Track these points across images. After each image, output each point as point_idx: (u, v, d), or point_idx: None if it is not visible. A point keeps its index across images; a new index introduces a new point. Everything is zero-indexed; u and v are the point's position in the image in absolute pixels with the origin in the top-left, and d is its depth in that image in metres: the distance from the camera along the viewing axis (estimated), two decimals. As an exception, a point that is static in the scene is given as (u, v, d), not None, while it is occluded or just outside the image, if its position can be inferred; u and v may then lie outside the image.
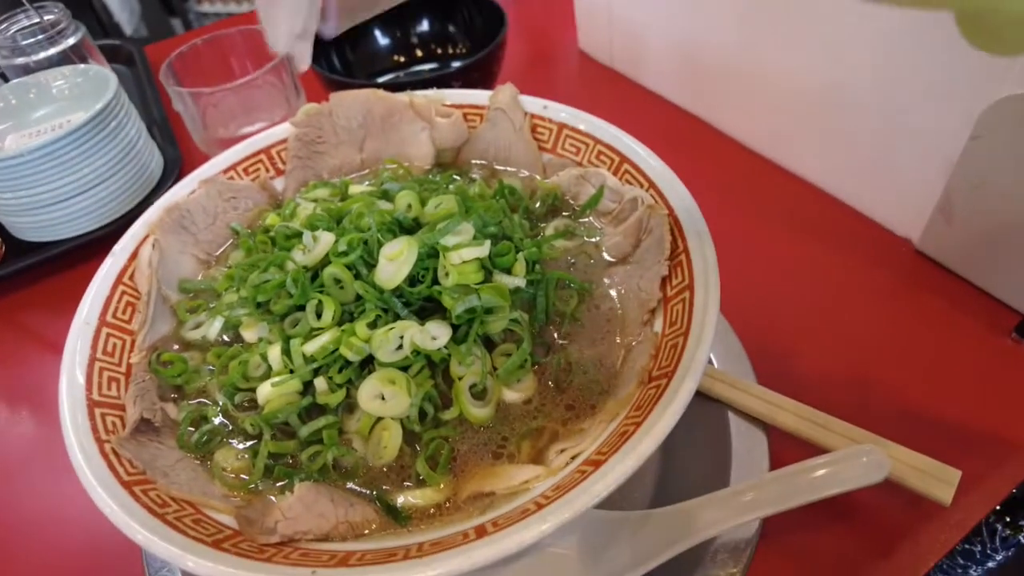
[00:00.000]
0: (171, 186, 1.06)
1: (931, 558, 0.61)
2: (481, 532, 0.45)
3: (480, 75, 1.01)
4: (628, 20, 1.17)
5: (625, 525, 0.61)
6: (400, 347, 0.55)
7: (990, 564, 0.87)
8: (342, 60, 1.14)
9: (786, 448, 0.67)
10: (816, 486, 0.55)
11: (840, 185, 0.96)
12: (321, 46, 1.09)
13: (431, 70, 1.17)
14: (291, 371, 0.57)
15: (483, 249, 0.59)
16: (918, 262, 0.88)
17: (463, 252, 0.58)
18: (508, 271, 0.61)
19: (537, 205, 0.74)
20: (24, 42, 1.04)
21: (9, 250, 1.04)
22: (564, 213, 0.74)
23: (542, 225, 0.73)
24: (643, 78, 1.22)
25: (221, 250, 0.76)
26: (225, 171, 0.77)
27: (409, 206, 0.66)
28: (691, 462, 0.69)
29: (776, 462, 0.66)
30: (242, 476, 0.55)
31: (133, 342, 0.64)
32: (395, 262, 0.58)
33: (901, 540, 0.63)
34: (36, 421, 0.90)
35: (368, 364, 0.57)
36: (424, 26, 1.17)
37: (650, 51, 1.16)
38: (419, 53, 1.17)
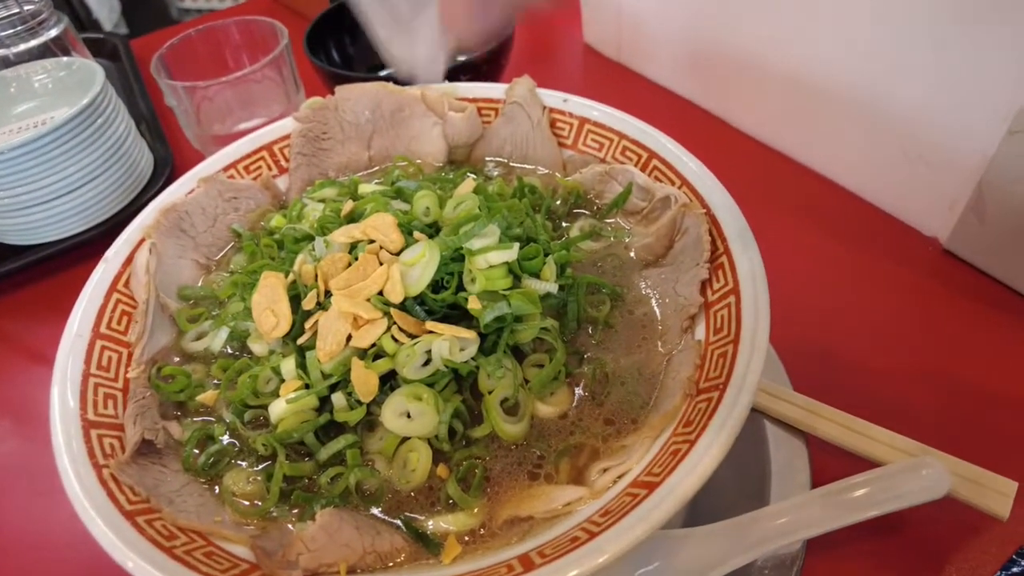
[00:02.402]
0: (162, 186, 1.02)
1: (984, 573, 0.58)
2: (528, 564, 0.41)
3: (489, 68, 0.97)
4: (637, 12, 1.13)
5: (664, 543, 0.57)
6: (427, 362, 0.50)
7: (1015, 569, 0.85)
8: (341, 53, 1.09)
9: (827, 458, 0.63)
10: (873, 502, 0.52)
11: (864, 182, 0.93)
12: (320, 39, 1.04)
13: (434, 64, 1.13)
14: (307, 386, 0.52)
15: (512, 253, 0.55)
16: (946, 261, 0.85)
17: (490, 256, 0.54)
18: (536, 275, 0.57)
19: (558, 204, 0.70)
20: (2, 33, 0.98)
21: (-9, 254, 0.98)
22: (586, 212, 0.70)
23: (565, 225, 0.69)
24: (652, 72, 1.18)
25: (222, 254, 0.71)
26: (225, 169, 0.72)
27: (427, 209, 0.62)
28: (727, 474, 0.64)
29: (817, 473, 0.63)
30: (255, 501, 0.51)
31: (130, 355, 0.59)
32: (416, 267, 0.54)
33: (952, 555, 0.60)
34: (21, 437, 0.84)
35: (389, 378, 0.52)
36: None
37: (660, 44, 1.13)
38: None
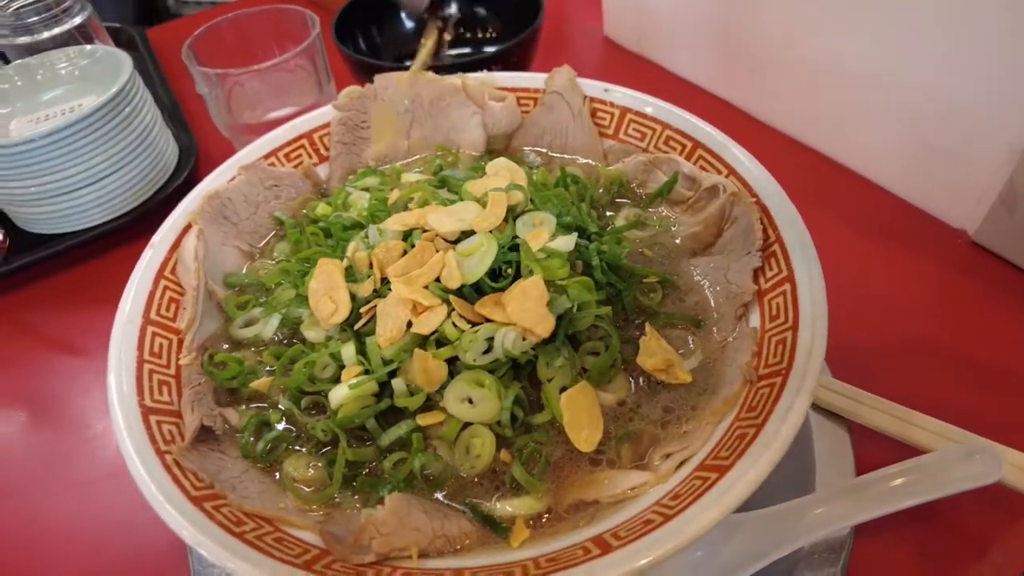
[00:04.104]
0: (187, 175, 1.02)
1: (1026, 558, 0.59)
2: (604, 546, 0.42)
3: (518, 59, 0.97)
4: (659, 3, 1.13)
5: (718, 529, 0.58)
6: (487, 349, 0.51)
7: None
8: (368, 43, 1.08)
9: (870, 445, 0.64)
10: (925, 488, 0.53)
11: (891, 175, 0.93)
12: (347, 29, 1.04)
13: (459, 55, 1.13)
14: (366, 372, 0.52)
15: (570, 242, 0.55)
16: (975, 254, 0.86)
17: (549, 245, 0.54)
18: (588, 264, 0.58)
19: (600, 193, 0.71)
20: (28, 20, 0.97)
21: (15, 243, 0.97)
22: (628, 202, 0.70)
23: (609, 214, 0.69)
24: (674, 65, 1.18)
25: (264, 241, 0.71)
26: (265, 157, 0.72)
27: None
28: (771, 462, 0.66)
29: (860, 460, 0.64)
30: (317, 487, 0.51)
31: (180, 341, 0.59)
32: (474, 256, 0.54)
33: (995, 539, 0.61)
34: (47, 426, 0.84)
35: (449, 364, 0.53)
36: (452, 8, 1.12)
37: (682, 36, 1.13)
38: (447, 36, 1.12)
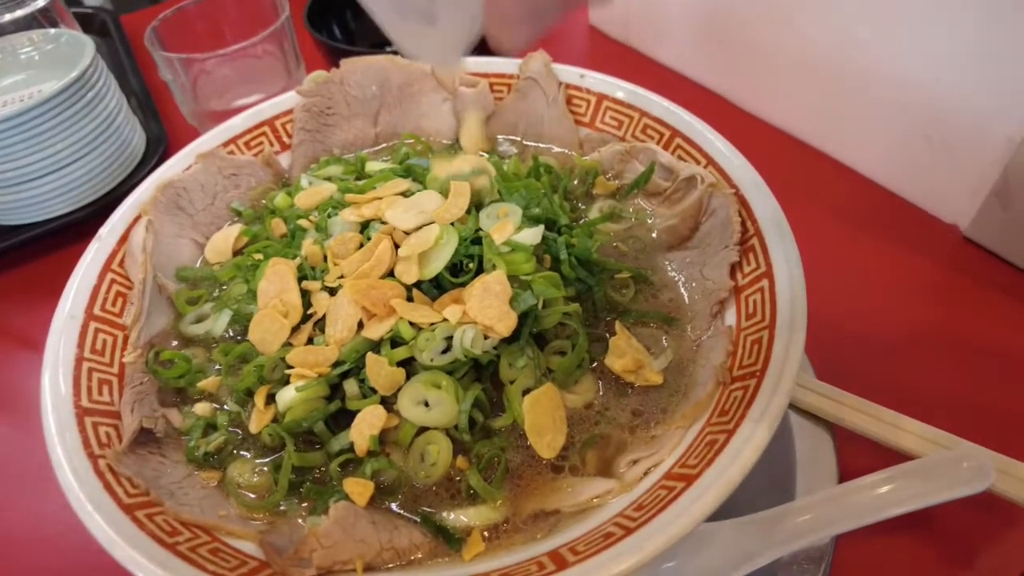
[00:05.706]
0: (155, 165, 0.98)
1: (1017, 566, 0.57)
2: (560, 562, 0.39)
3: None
4: (648, -9, 1.10)
5: (691, 538, 0.55)
6: (446, 349, 0.47)
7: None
8: (343, 29, 1.05)
9: (854, 450, 0.61)
10: (911, 496, 0.50)
11: (883, 169, 0.90)
12: (320, 14, 1.00)
13: (438, 42, 1.09)
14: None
15: (536, 234, 0.52)
16: (966, 249, 0.83)
17: (513, 239, 0.51)
18: (556, 258, 0.54)
19: (575, 184, 0.67)
20: (-13, 2, 0.94)
21: (-28, 235, 0.93)
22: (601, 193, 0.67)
23: (583, 207, 0.66)
24: (662, 54, 1.15)
25: (221, 233, 0.67)
26: (225, 144, 0.69)
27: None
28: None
29: (844, 465, 0.61)
30: (262, 494, 0.48)
31: (126, 338, 0.56)
32: (432, 249, 0.51)
33: (983, 547, 0.58)
34: (4, 426, 0.81)
35: (405, 364, 0.49)
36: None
37: (672, 25, 1.09)
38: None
